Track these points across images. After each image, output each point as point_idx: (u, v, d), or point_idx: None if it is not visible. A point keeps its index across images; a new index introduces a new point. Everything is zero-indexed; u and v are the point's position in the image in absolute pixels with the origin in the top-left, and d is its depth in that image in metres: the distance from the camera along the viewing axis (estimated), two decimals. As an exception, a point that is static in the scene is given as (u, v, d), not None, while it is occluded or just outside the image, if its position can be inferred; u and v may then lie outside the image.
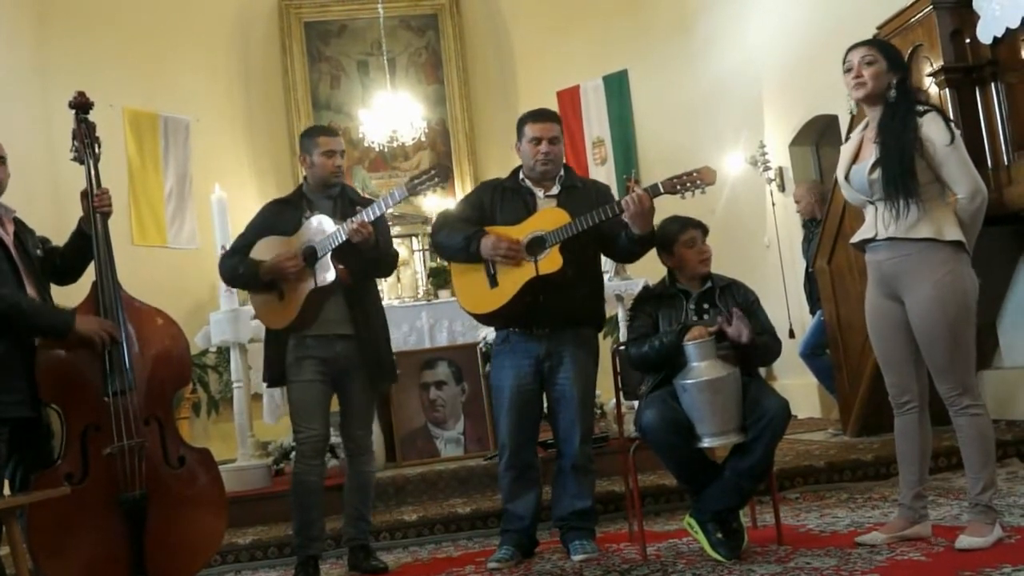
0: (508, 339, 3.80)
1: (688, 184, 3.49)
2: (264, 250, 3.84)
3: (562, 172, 3.87)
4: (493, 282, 3.66)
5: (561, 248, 3.55)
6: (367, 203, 3.91)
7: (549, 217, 3.65)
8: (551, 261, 3.56)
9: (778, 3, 7.69)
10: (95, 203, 3.56)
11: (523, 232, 3.64)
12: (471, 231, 3.69)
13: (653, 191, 3.50)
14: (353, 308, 3.81)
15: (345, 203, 3.90)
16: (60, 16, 8.65)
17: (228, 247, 4.09)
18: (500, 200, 3.83)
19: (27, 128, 7.76)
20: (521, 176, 3.87)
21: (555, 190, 3.82)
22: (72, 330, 3.33)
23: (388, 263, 4.00)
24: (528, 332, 3.74)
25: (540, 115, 3.85)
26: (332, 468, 5.15)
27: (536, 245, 3.60)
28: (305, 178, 4.01)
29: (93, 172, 3.63)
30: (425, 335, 6.56)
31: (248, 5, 9.73)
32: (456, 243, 3.72)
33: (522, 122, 3.86)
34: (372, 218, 3.69)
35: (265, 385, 4.42)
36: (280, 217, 3.91)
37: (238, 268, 3.88)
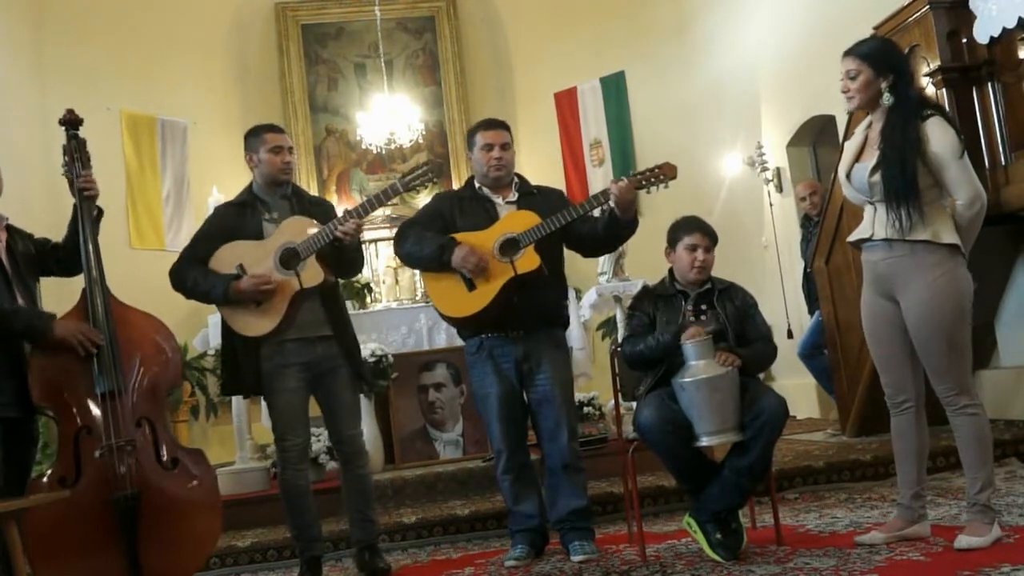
0: (483, 346, 3.80)
1: (652, 179, 3.59)
2: (233, 256, 3.73)
3: (516, 179, 3.92)
4: (470, 286, 3.68)
5: (535, 248, 3.61)
6: (321, 203, 3.92)
7: (518, 219, 3.70)
8: (528, 260, 3.61)
9: (775, 4, 7.70)
10: (80, 185, 3.57)
11: (493, 236, 3.68)
12: (443, 240, 3.71)
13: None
14: (329, 309, 3.78)
15: (303, 203, 3.85)
16: (58, 20, 8.65)
17: (181, 255, 3.81)
18: (459, 209, 3.86)
19: (25, 132, 7.76)
20: (477, 185, 3.91)
21: (513, 196, 3.87)
22: (51, 334, 3.34)
23: (360, 263, 3.99)
24: (504, 336, 3.76)
25: (490, 123, 3.94)
26: (331, 470, 5.15)
27: (509, 246, 3.63)
28: (254, 179, 3.90)
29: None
30: (423, 337, 6.56)
31: (245, 8, 9.74)
32: (428, 253, 3.73)
33: (473, 132, 3.95)
34: (366, 215, 3.66)
35: (225, 395, 4.29)
36: (237, 221, 3.81)
37: (201, 284, 3.70)
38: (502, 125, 3.93)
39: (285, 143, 3.86)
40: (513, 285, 3.62)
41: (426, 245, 3.74)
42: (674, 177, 3.60)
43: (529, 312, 3.71)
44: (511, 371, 3.76)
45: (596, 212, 3.74)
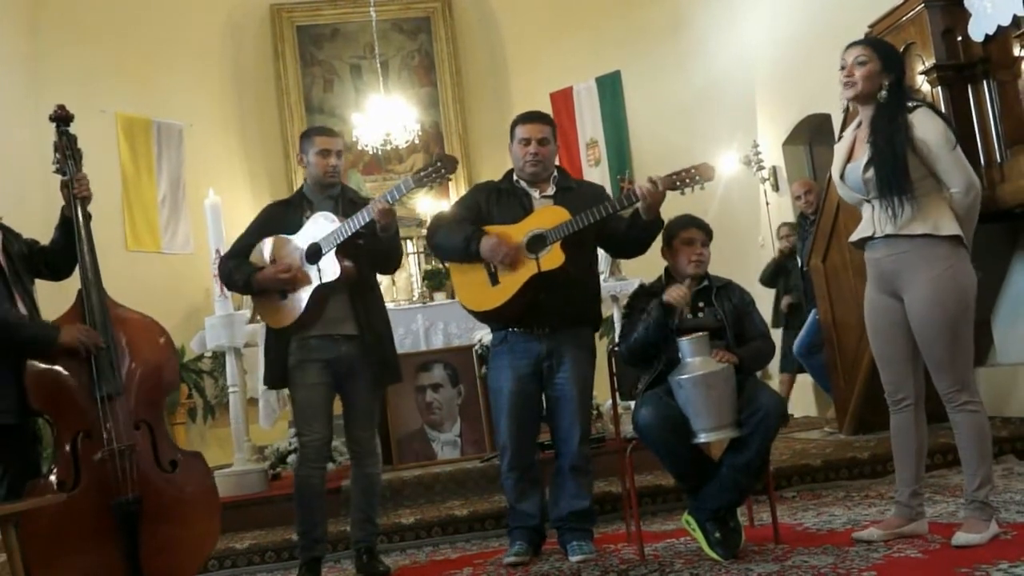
0: (507, 339, 3.79)
1: (687, 180, 3.53)
2: (267, 249, 3.82)
3: (556, 173, 3.89)
4: (494, 280, 3.66)
5: (562, 246, 3.57)
6: (367, 203, 3.91)
7: (548, 215, 3.66)
8: (553, 258, 3.57)
9: (770, 3, 7.71)
10: (75, 191, 3.57)
11: (522, 231, 3.65)
12: (470, 231, 3.69)
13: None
14: (356, 307, 3.78)
15: (346, 203, 3.88)
16: (53, 23, 8.65)
17: (228, 249, 4.03)
18: (496, 201, 3.84)
19: (20, 135, 7.75)
20: (515, 178, 3.89)
21: (551, 191, 3.83)
22: (57, 342, 3.33)
23: (398, 257, 3.97)
24: (528, 332, 3.74)
25: (530, 116, 3.88)
26: (330, 471, 5.14)
27: (537, 242, 3.61)
28: (305, 179, 4.00)
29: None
30: (421, 338, 6.56)
31: (240, 10, 9.74)
32: (455, 243, 3.71)
33: (513, 124, 3.90)
34: (393, 201, 3.63)
35: (264, 387, 4.38)
36: (281, 218, 3.88)
37: (233, 274, 3.86)
38: (542, 119, 3.88)
39: (333, 147, 3.88)
40: (536, 282, 3.60)
41: (454, 236, 3.72)
42: (710, 179, 3.53)
43: (556, 310, 3.68)
44: (530, 367, 3.74)
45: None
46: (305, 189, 3.96)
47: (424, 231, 6.23)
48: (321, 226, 3.72)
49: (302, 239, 3.75)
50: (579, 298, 3.77)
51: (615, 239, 3.81)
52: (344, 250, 3.66)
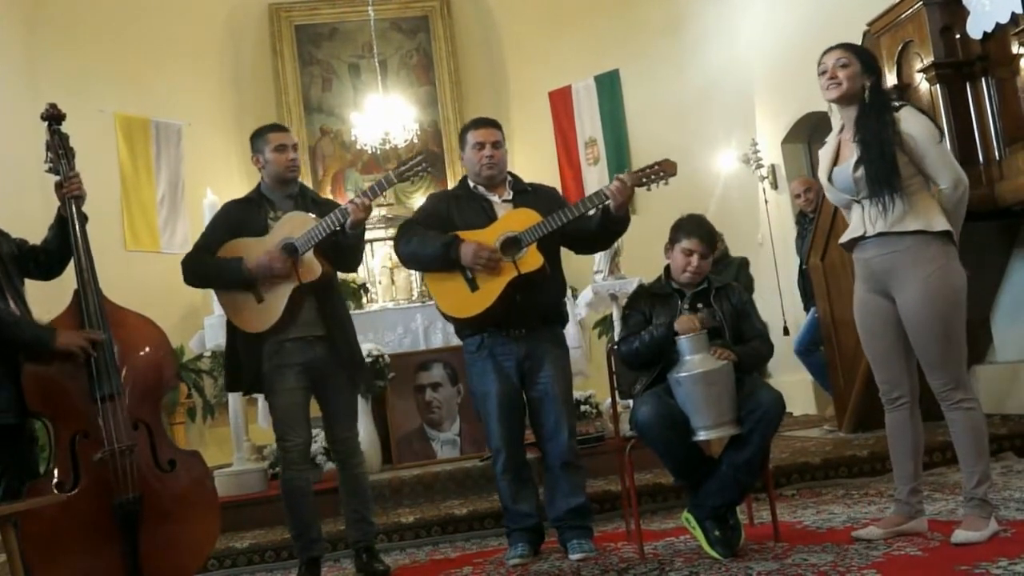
0: (484, 344, 3.78)
1: (652, 176, 3.61)
2: (235, 251, 3.74)
3: (509, 177, 3.93)
4: (473, 286, 3.67)
5: (537, 247, 3.61)
6: (327, 203, 3.91)
7: (518, 218, 3.69)
8: (531, 259, 3.61)
9: (769, 1, 7.71)
10: (66, 190, 3.54)
11: (493, 235, 3.68)
12: (447, 238, 3.69)
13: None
14: (324, 308, 3.77)
15: (307, 202, 3.86)
16: (51, 23, 8.64)
17: (192, 247, 3.92)
18: (456, 208, 3.85)
19: (18, 135, 7.73)
20: (472, 184, 3.91)
21: (508, 195, 3.87)
22: (54, 344, 3.32)
23: (361, 254, 3.97)
24: (506, 334, 3.75)
25: (481, 122, 3.94)
26: (329, 471, 5.15)
27: (511, 245, 3.63)
28: (262, 178, 3.91)
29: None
30: (420, 337, 6.57)
31: (238, 9, 9.73)
32: (432, 251, 3.70)
33: (464, 131, 3.95)
34: (374, 197, 3.64)
35: (239, 393, 4.31)
36: (243, 216, 3.82)
37: (212, 268, 3.76)
38: (493, 124, 3.93)
39: (289, 141, 3.86)
40: (516, 284, 3.61)
41: (429, 244, 3.71)
42: (674, 174, 3.61)
43: (531, 310, 3.71)
44: (512, 370, 3.75)
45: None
46: (263, 188, 3.89)
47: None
48: (294, 225, 3.68)
49: (275, 239, 3.70)
50: (551, 297, 3.83)
51: (585, 237, 3.83)
52: (320, 249, 3.65)
